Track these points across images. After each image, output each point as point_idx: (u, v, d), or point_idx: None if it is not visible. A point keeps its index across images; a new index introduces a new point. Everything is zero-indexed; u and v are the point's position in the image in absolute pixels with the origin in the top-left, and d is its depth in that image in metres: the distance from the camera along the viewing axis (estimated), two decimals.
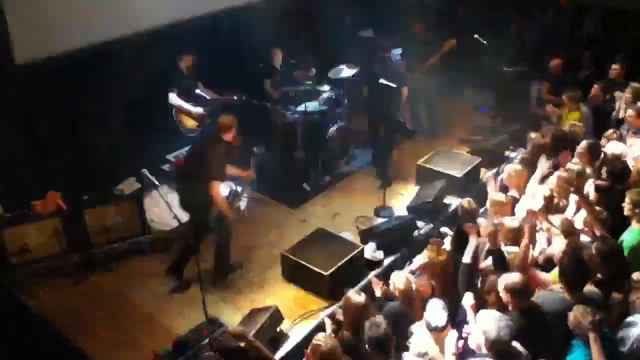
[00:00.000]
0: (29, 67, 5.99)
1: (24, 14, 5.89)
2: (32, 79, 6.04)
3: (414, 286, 4.59)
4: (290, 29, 7.66)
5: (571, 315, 3.67)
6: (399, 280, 4.60)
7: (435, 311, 4.03)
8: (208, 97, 7.27)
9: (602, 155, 5.76)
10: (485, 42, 8.31)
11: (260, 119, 7.55)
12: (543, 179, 5.74)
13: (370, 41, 9.08)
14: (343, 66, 7.81)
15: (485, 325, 3.65)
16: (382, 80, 7.02)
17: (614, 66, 7.60)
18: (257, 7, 7.74)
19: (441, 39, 7.92)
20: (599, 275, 4.22)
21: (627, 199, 4.69)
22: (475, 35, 8.31)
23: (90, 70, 6.41)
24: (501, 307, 4.04)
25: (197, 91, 7.23)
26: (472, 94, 8.45)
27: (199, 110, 7.12)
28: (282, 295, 5.69)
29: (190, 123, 7.14)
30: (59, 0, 6.16)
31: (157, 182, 5.17)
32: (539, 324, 3.94)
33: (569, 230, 4.72)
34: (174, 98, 6.94)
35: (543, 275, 4.54)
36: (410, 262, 5.52)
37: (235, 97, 7.23)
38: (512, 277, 4.01)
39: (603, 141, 6.16)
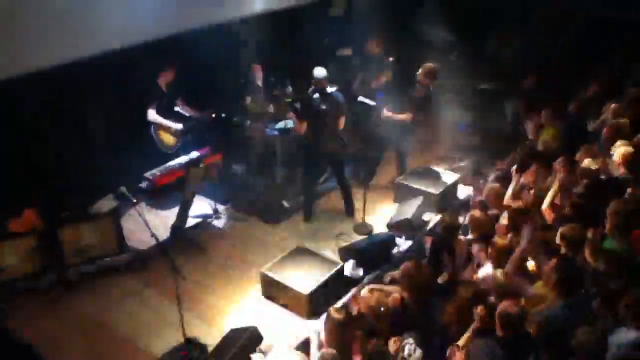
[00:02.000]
0: (5, 84, 5.90)
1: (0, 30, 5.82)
2: (8, 95, 5.96)
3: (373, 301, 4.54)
4: (269, 47, 7.68)
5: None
6: (366, 295, 4.60)
7: (411, 346, 3.96)
8: (187, 114, 7.25)
9: (579, 170, 5.84)
10: (458, 59, 8.45)
11: (239, 136, 7.54)
12: (517, 194, 5.81)
13: (348, 60, 9.16)
14: None
15: (476, 357, 3.62)
16: (360, 98, 7.13)
17: (592, 84, 7.78)
18: (236, 25, 7.75)
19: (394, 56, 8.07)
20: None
21: (608, 218, 4.72)
22: (451, 56, 8.45)
23: (67, 87, 6.35)
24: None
25: (176, 108, 7.21)
26: (449, 112, 8.56)
27: (178, 126, 7.10)
28: (262, 315, 5.64)
29: (168, 139, 7.11)
30: (35, 16, 6.10)
31: (134, 200, 5.13)
32: (525, 352, 3.95)
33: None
34: (152, 115, 6.92)
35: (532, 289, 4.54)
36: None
37: (214, 114, 7.23)
38: (509, 307, 3.97)
39: (578, 156, 6.27)
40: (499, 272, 4.48)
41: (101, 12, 6.43)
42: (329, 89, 6.75)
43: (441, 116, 8.27)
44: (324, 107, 6.64)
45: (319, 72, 6.63)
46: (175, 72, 7.04)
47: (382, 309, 4.42)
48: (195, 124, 7.22)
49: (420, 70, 7.29)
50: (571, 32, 9.10)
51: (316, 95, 6.66)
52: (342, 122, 6.86)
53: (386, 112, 7.23)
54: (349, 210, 7.19)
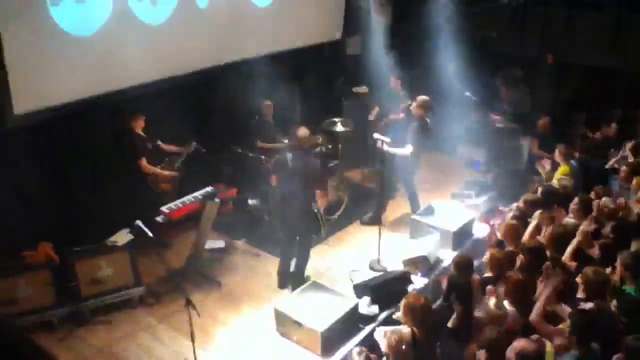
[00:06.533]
0: (25, 118, 6.00)
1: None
2: (26, 130, 6.06)
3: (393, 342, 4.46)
4: (282, 84, 7.74)
5: None
6: (383, 337, 4.51)
7: None
8: (172, 152, 7.15)
9: (596, 210, 5.80)
10: (475, 98, 8.51)
11: (254, 171, 7.58)
12: (535, 233, 5.76)
13: (363, 98, 9.27)
14: (337, 120, 7.93)
15: None
16: (376, 135, 7.19)
17: (612, 125, 7.79)
18: (249, 62, 7.85)
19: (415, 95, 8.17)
20: None
21: (619, 261, 4.65)
22: (467, 93, 8.51)
23: (82, 122, 6.45)
24: None
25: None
26: (464, 150, 8.59)
27: (166, 172, 6.97)
28: (276, 351, 5.57)
29: (165, 186, 7.01)
30: (45, 59, 6.12)
31: (150, 233, 5.14)
32: None
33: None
34: (146, 165, 6.78)
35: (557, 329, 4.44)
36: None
37: (195, 144, 7.09)
38: (527, 345, 3.87)
39: (592, 195, 6.24)
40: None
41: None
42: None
43: (456, 153, 8.29)
44: (296, 167, 6.12)
45: (304, 131, 6.21)
46: (146, 115, 6.83)
47: (403, 347, 4.35)
48: (182, 159, 7.10)
49: (413, 104, 7.31)
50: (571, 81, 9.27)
51: (290, 155, 6.22)
52: (315, 186, 6.40)
53: (386, 147, 7.19)
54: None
